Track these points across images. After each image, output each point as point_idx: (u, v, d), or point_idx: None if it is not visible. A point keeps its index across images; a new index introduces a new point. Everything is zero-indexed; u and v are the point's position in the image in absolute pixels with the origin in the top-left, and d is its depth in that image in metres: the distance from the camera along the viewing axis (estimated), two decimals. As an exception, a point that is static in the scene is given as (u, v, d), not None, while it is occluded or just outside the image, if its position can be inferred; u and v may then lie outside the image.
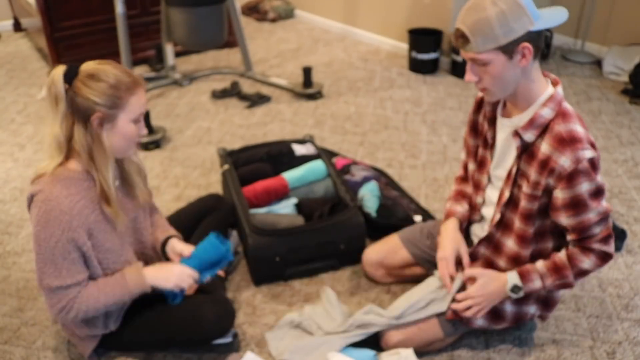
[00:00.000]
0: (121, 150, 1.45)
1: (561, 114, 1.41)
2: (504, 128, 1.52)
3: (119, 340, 1.61)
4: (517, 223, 1.53)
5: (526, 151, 1.46)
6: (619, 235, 2.13)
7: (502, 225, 1.58)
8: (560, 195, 1.41)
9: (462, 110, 3.29)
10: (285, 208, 2.18)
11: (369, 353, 1.63)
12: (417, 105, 3.36)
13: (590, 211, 1.41)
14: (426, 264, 1.87)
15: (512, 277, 1.53)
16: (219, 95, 3.47)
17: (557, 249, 1.55)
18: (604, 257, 1.48)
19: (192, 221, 1.92)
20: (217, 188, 2.55)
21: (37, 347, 1.74)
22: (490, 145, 1.58)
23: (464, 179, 1.80)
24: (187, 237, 1.88)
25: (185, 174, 2.68)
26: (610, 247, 1.48)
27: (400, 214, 2.17)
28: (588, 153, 1.36)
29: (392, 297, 1.91)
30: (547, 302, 1.65)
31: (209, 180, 2.62)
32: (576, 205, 1.40)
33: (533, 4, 1.35)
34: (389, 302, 1.88)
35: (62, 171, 1.42)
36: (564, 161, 1.37)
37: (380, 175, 2.46)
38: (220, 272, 1.94)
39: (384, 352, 1.64)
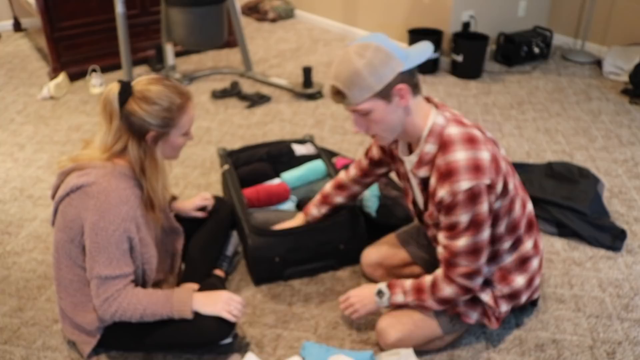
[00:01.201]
0: (169, 158, 1.55)
1: (442, 146, 1.44)
2: (408, 164, 1.58)
3: (119, 341, 1.61)
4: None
5: (426, 185, 1.53)
6: (619, 235, 2.14)
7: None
8: (441, 218, 1.47)
9: (462, 110, 3.30)
10: (285, 207, 2.18)
11: (367, 353, 1.63)
12: (417, 105, 3.36)
13: (460, 239, 1.45)
14: (424, 264, 1.88)
15: (381, 285, 1.65)
16: (219, 95, 3.47)
17: (512, 247, 1.60)
18: (466, 291, 1.54)
19: (192, 222, 1.92)
20: (217, 188, 2.55)
21: (37, 347, 1.74)
22: (406, 178, 1.65)
23: (340, 187, 1.92)
24: (188, 238, 1.89)
25: (185, 173, 2.68)
26: (472, 283, 1.52)
27: (400, 214, 2.17)
28: (464, 184, 1.38)
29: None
30: (513, 295, 1.65)
31: (209, 180, 2.62)
32: (451, 228, 1.46)
33: (397, 46, 1.41)
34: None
35: (114, 166, 1.47)
36: (443, 194, 1.42)
37: (380, 175, 2.46)
38: (220, 272, 1.94)
39: (384, 352, 1.64)
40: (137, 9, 3.90)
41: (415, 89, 1.44)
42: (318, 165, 2.31)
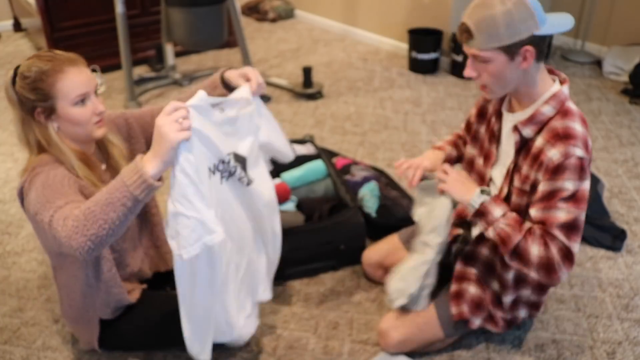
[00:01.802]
0: (80, 136, 1.41)
1: (562, 112, 1.40)
2: (507, 122, 1.52)
3: (119, 339, 1.61)
4: None
5: (524, 147, 1.46)
6: (619, 235, 2.14)
7: None
8: (541, 187, 1.38)
9: (462, 110, 3.29)
10: (286, 207, 2.18)
11: None
12: (417, 105, 3.36)
13: (560, 210, 1.35)
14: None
15: (485, 188, 1.49)
16: (219, 95, 3.46)
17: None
18: (548, 265, 1.36)
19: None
20: (217, 188, 2.54)
21: (37, 347, 1.73)
22: (496, 138, 1.57)
23: (461, 137, 1.82)
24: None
25: (185, 174, 2.68)
26: (561, 264, 1.35)
27: (400, 214, 2.17)
28: (579, 151, 1.34)
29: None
30: (535, 305, 1.64)
31: (209, 180, 2.61)
32: (550, 196, 1.35)
33: (541, 7, 1.35)
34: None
35: (41, 158, 1.40)
36: (554, 153, 1.35)
37: (380, 176, 2.46)
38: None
39: (376, 357, 1.65)
40: (137, 9, 3.91)
41: (541, 56, 1.38)
42: (318, 165, 2.31)
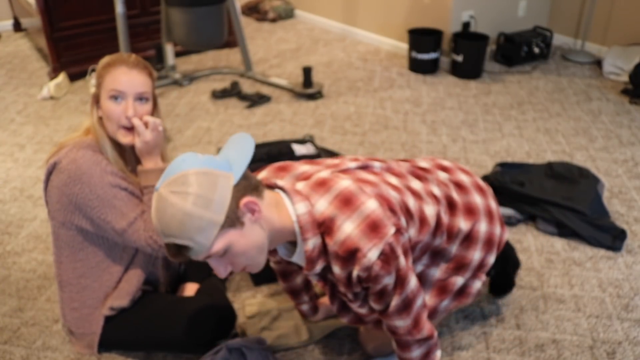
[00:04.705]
0: (109, 129, 1.49)
1: (325, 231, 1.21)
2: (299, 261, 1.36)
3: (119, 339, 1.62)
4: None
5: (328, 274, 1.33)
6: (619, 235, 2.14)
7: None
8: (371, 291, 1.28)
9: (462, 110, 3.30)
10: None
11: None
12: (417, 105, 3.36)
13: (392, 301, 1.28)
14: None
15: None
16: (219, 95, 3.47)
17: (449, 239, 1.47)
18: (427, 347, 1.36)
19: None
20: (217, 188, 2.54)
21: (37, 347, 1.74)
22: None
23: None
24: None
25: (185, 174, 2.68)
26: (422, 334, 1.33)
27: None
28: (373, 254, 1.17)
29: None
30: (478, 268, 1.53)
31: (209, 180, 2.61)
32: (381, 295, 1.27)
33: (212, 158, 1.14)
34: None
35: (82, 140, 1.50)
36: (357, 274, 1.21)
37: (380, 175, 2.46)
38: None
39: None
40: (137, 9, 3.90)
41: (257, 190, 1.17)
42: (318, 165, 2.31)
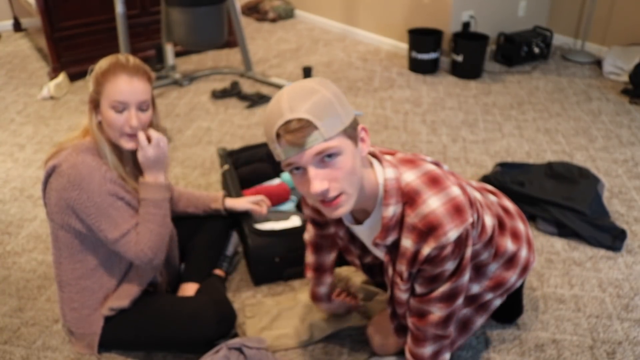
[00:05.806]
0: (112, 138, 1.49)
1: (408, 201, 1.22)
2: (361, 232, 1.37)
3: (119, 338, 1.62)
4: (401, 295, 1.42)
5: (393, 249, 1.32)
6: (619, 235, 2.14)
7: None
8: (424, 272, 1.29)
9: (462, 110, 3.30)
10: (286, 207, 2.18)
11: None
12: (417, 105, 3.36)
13: (441, 287, 1.29)
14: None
15: None
16: (219, 95, 3.47)
17: (495, 256, 1.49)
18: (441, 341, 1.38)
19: (192, 223, 1.92)
20: (217, 188, 2.55)
21: (37, 347, 1.74)
22: (348, 239, 1.50)
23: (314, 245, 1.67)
24: (188, 238, 1.89)
25: (185, 174, 2.68)
26: (446, 331, 1.36)
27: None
28: (452, 235, 1.20)
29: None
30: (506, 291, 1.57)
31: (209, 181, 2.62)
32: (433, 279, 1.29)
33: None
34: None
35: (81, 142, 1.49)
36: (429, 251, 1.22)
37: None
38: (220, 272, 1.94)
39: None
40: (137, 9, 3.91)
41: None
42: (318, 165, 2.30)
